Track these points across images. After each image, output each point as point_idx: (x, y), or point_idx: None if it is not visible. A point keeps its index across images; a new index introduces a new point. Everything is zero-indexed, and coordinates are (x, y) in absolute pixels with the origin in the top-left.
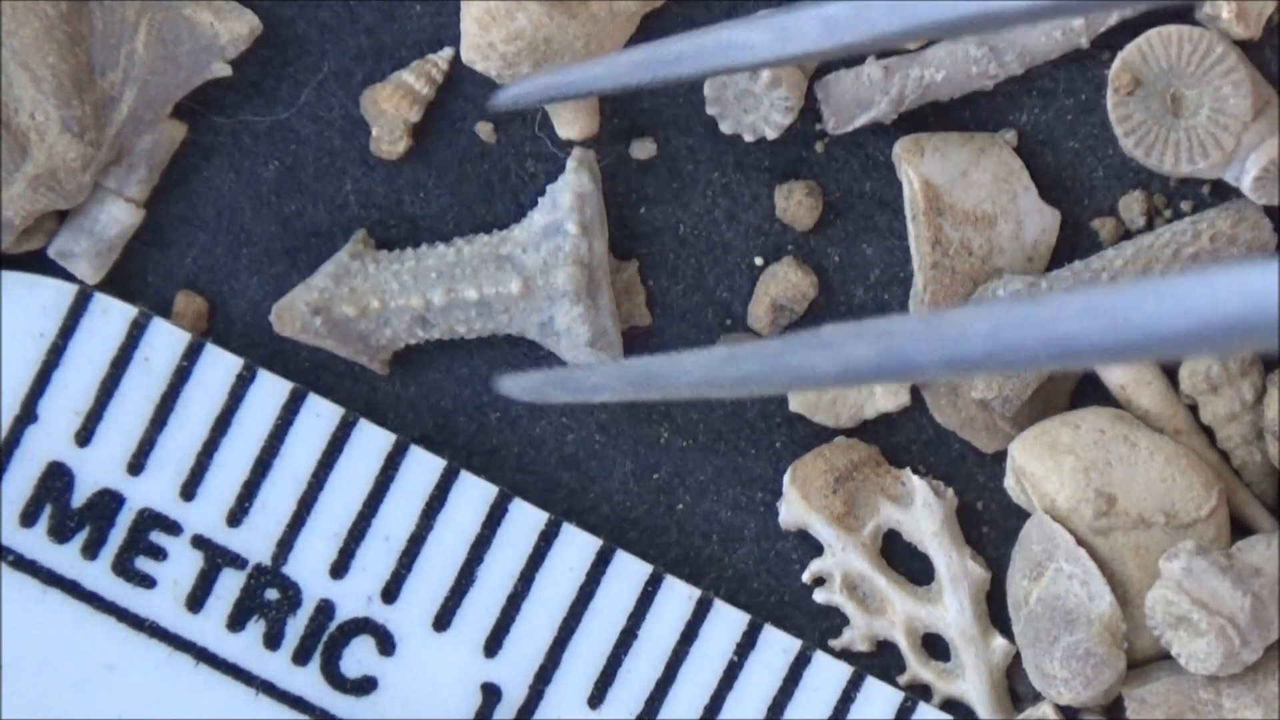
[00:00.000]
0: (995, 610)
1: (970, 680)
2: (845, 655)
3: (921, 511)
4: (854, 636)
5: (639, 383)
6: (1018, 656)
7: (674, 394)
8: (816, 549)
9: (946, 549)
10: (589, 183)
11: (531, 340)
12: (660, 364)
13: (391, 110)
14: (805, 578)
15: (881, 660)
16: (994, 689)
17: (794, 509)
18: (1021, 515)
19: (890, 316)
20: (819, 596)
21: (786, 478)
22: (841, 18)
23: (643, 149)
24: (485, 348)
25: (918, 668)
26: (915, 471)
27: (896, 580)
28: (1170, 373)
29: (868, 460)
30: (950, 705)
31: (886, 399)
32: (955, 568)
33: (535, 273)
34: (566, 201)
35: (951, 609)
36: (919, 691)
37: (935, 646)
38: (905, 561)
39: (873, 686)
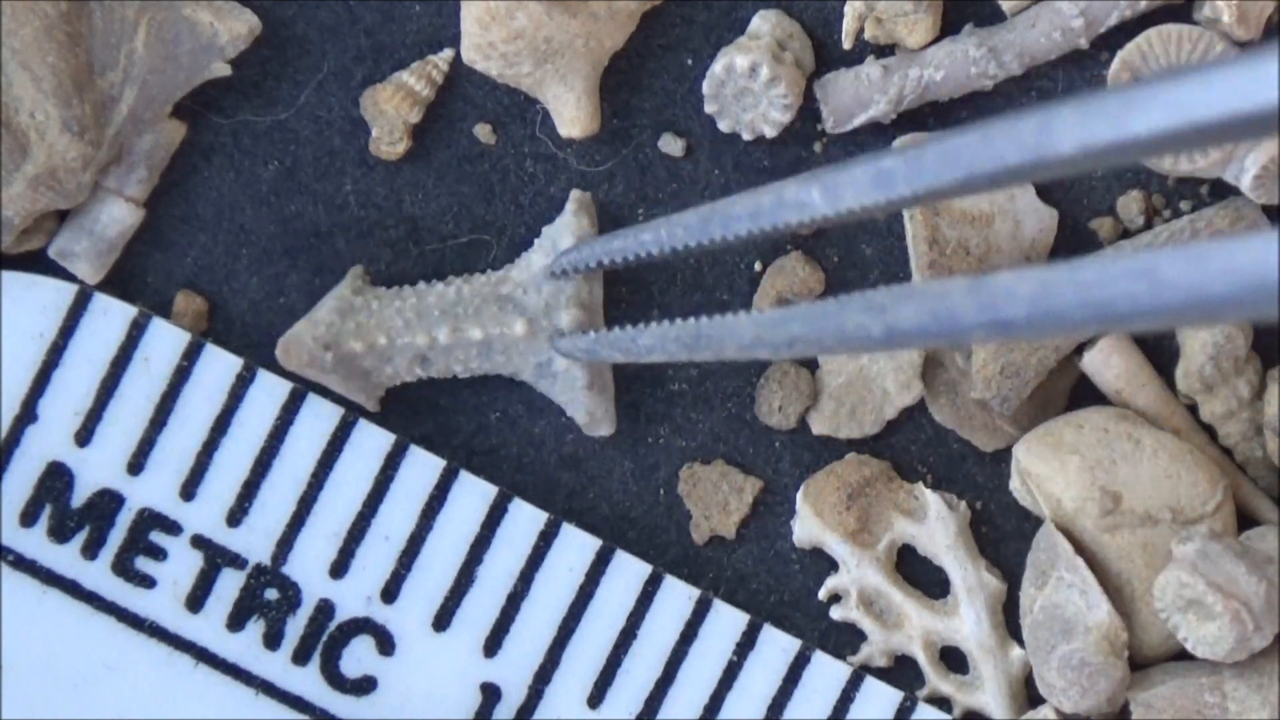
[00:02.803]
0: (1012, 619)
1: (989, 692)
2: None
3: (935, 525)
4: (872, 652)
5: (690, 343)
6: None
7: (724, 355)
8: (829, 564)
9: (961, 561)
10: (588, 226)
11: (522, 381)
12: (712, 325)
13: (391, 111)
14: (821, 595)
15: (900, 675)
16: (1013, 699)
17: (808, 527)
18: (1025, 516)
19: (939, 280)
20: (836, 613)
21: (799, 496)
22: (895, 170)
23: (673, 145)
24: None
25: (937, 681)
26: (916, 473)
27: (913, 594)
28: (1166, 374)
29: (880, 475)
30: (970, 717)
31: (902, 394)
32: (971, 580)
33: (538, 314)
34: (567, 245)
35: (968, 621)
36: (939, 705)
37: (953, 659)
38: (920, 575)
39: (872, 686)
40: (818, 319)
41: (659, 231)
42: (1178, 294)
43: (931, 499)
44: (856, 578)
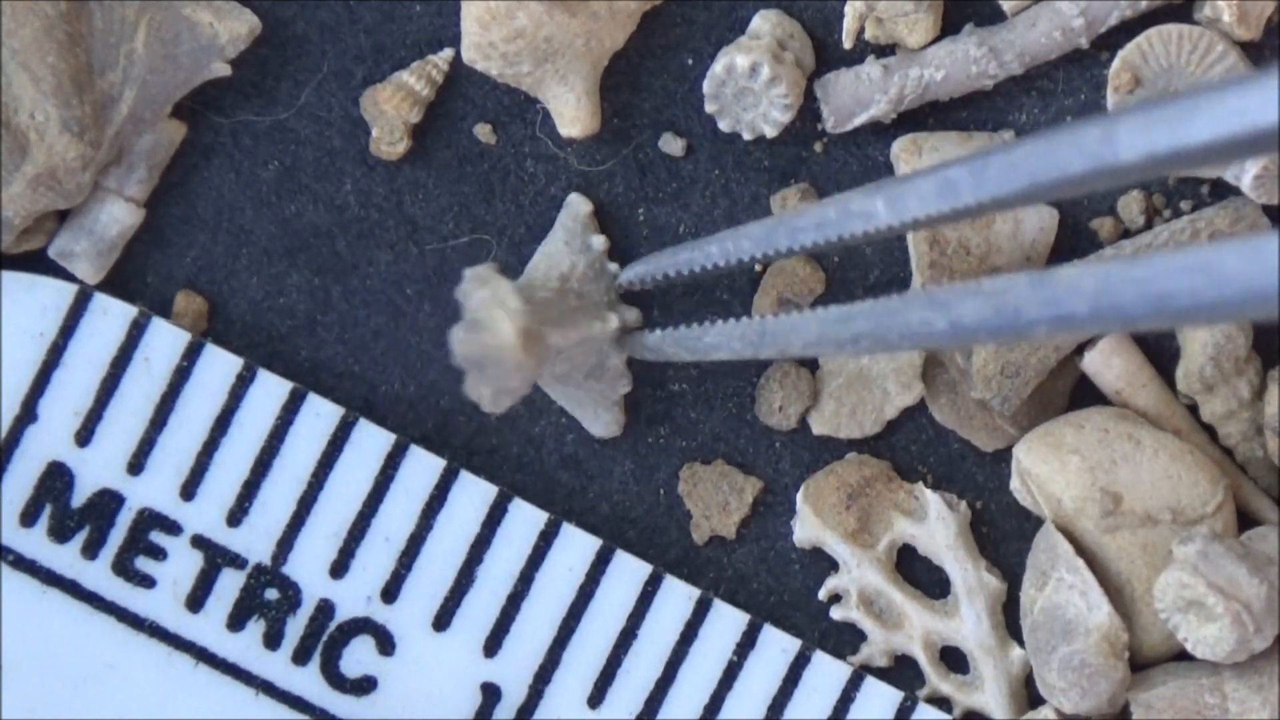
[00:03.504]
0: (1011, 619)
1: (989, 692)
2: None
3: (936, 525)
4: (872, 652)
5: (755, 341)
6: None
7: (789, 352)
8: (829, 564)
9: (962, 561)
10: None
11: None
12: (776, 323)
13: (392, 111)
14: (821, 595)
15: (900, 675)
16: (1013, 699)
17: (808, 527)
18: (1025, 516)
19: (1002, 275)
20: (836, 614)
21: (799, 496)
22: (960, 180)
23: (673, 145)
24: None
25: (937, 681)
26: (916, 473)
27: (913, 595)
28: (1166, 374)
29: (880, 475)
30: (971, 717)
31: (903, 395)
32: (971, 580)
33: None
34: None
35: (969, 621)
36: (939, 705)
37: (953, 659)
38: (920, 575)
39: (872, 686)
40: (882, 316)
41: (725, 244)
42: (1237, 287)
43: (931, 499)
44: (856, 578)
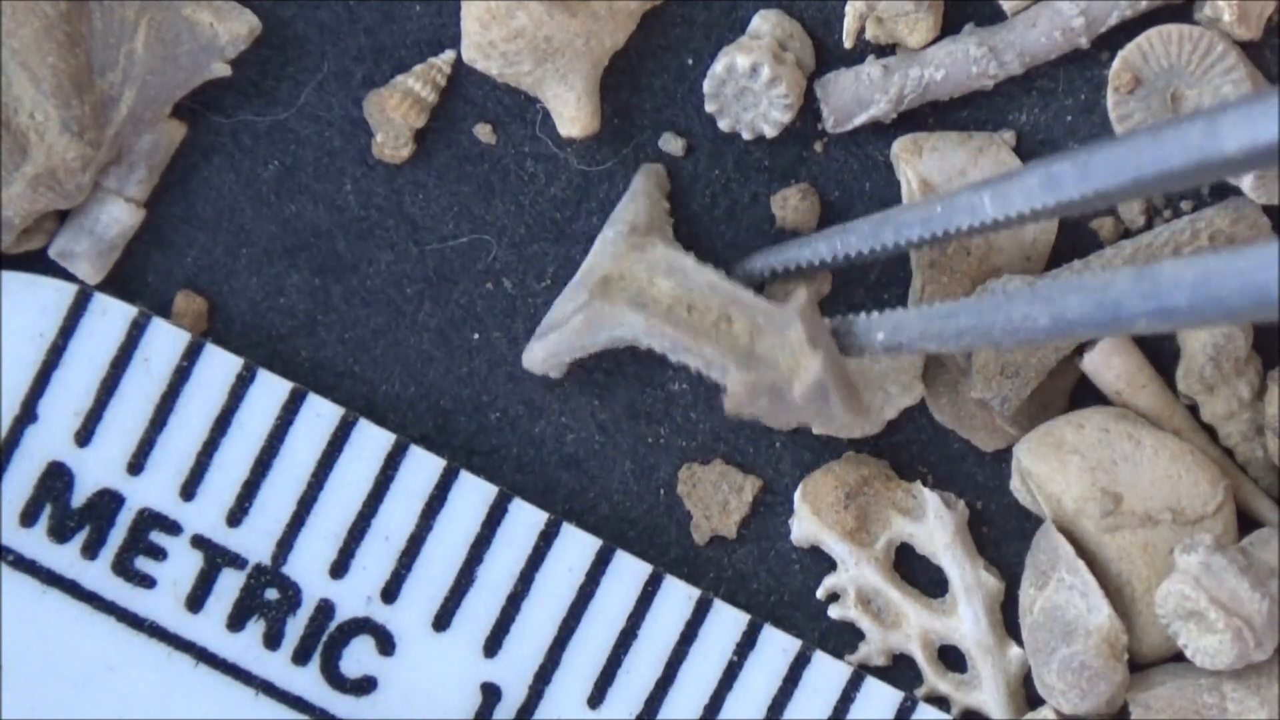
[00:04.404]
0: (1010, 618)
1: (988, 690)
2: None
3: (934, 524)
4: (870, 651)
5: (859, 337)
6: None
7: (893, 350)
8: (829, 563)
9: (960, 560)
10: (656, 195)
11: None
12: (878, 321)
13: (399, 118)
14: (820, 594)
15: (898, 674)
16: (1011, 698)
17: (806, 525)
18: (1024, 516)
19: (1104, 271)
20: (834, 612)
21: (797, 495)
22: (1064, 174)
23: (673, 144)
24: (484, 349)
25: (935, 680)
26: (916, 472)
27: (911, 593)
28: (1166, 374)
29: (878, 474)
30: (969, 716)
31: (904, 395)
32: (969, 579)
33: None
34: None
35: (967, 620)
36: (937, 704)
37: (951, 658)
38: (919, 574)
39: (872, 686)
40: (986, 312)
41: (833, 240)
42: None
43: (930, 498)
44: (854, 576)
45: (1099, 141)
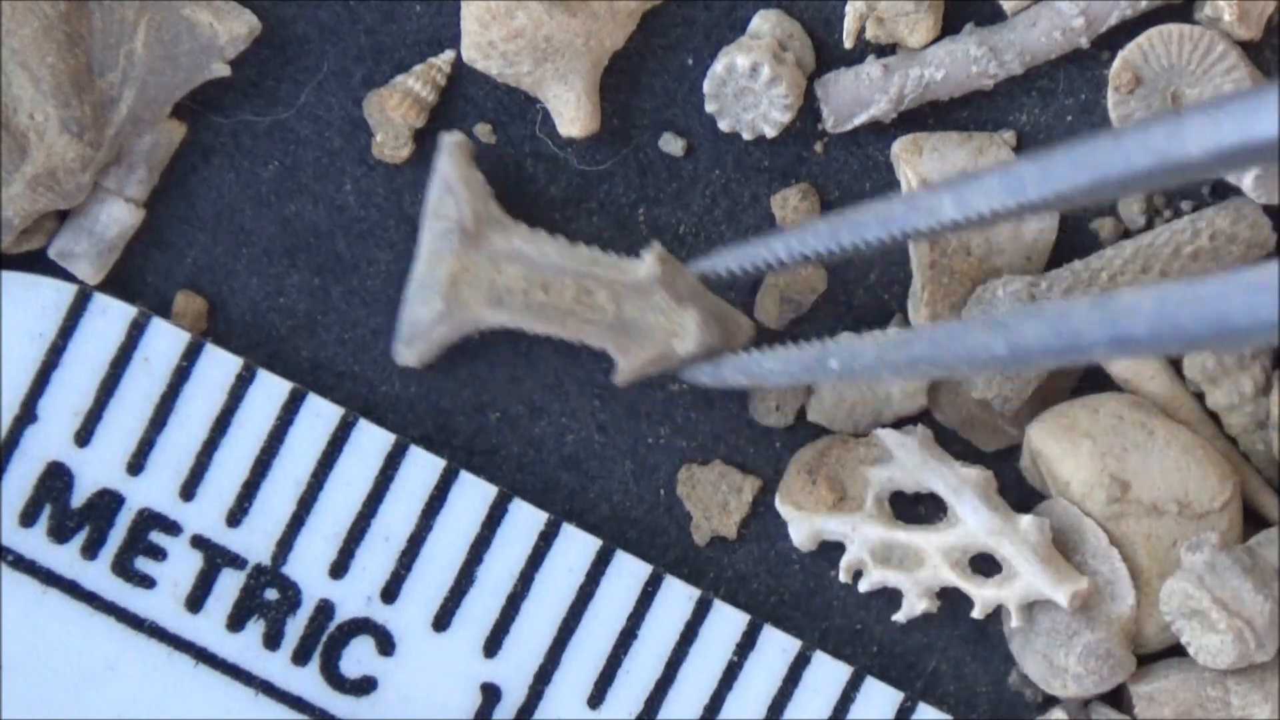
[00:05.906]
0: (1009, 501)
1: (1023, 569)
2: (919, 624)
3: (900, 455)
4: (913, 601)
5: (813, 366)
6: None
7: (849, 377)
8: (829, 562)
9: (935, 469)
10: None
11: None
12: (835, 349)
13: (399, 119)
14: (842, 577)
15: (900, 675)
16: (1048, 562)
17: (798, 524)
18: (1027, 508)
19: (1062, 300)
20: (863, 587)
21: (777, 504)
22: (1025, 175)
23: (673, 144)
24: (484, 349)
25: (981, 590)
26: None
27: (916, 528)
28: (1175, 364)
29: (832, 443)
30: (1032, 605)
31: (904, 402)
32: (952, 480)
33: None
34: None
35: (970, 518)
36: (998, 613)
37: (987, 568)
38: (917, 515)
39: (872, 686)
40: (942, 340)
41: (789, 240)
42: None
43: (885, 434)
44: (861, 541)
45: (1063, 143)
